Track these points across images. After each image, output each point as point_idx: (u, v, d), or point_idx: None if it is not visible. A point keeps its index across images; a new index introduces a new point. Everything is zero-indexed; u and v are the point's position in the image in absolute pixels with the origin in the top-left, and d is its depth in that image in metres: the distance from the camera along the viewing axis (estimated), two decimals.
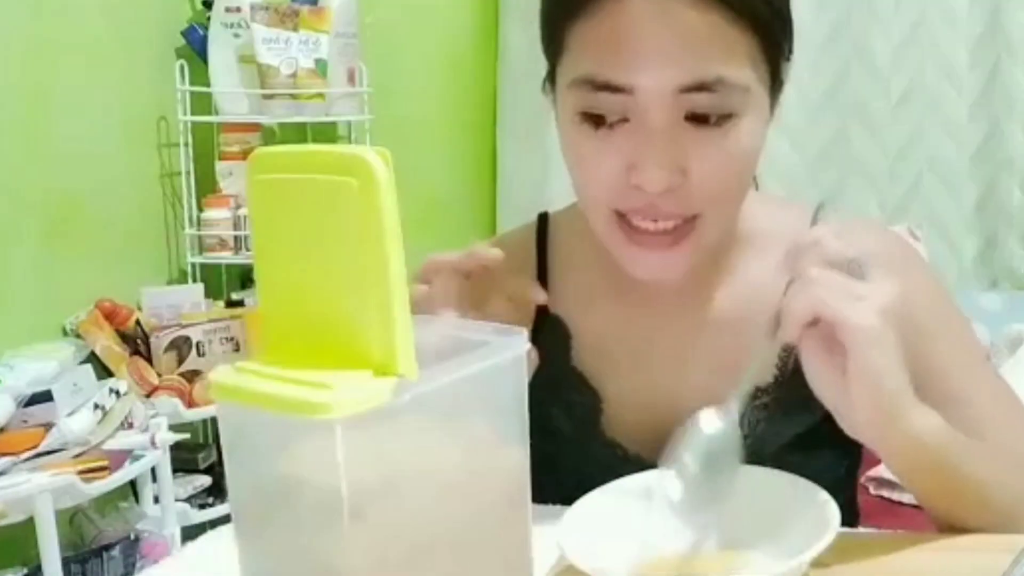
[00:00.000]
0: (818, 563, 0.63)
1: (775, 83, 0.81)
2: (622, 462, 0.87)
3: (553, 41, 0.81)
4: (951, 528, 0.76)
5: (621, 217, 0.79)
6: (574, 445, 0.88)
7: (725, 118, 0.76)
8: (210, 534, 0.87)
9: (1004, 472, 0.78)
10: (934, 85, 2.55)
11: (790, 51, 0.82)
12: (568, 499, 0.74)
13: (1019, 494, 0.77)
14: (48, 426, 1.69)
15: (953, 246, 2.58)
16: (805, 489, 0.71)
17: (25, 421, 1.69)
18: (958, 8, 2.52)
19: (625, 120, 0.76)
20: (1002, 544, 0.70)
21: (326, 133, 2.53)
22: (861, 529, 0.85)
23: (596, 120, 0.77)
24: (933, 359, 0.83)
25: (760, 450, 0.76)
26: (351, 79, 2.39)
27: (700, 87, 0.74)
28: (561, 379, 0.89)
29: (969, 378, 0.85)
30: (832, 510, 0.67)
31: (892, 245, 0.91)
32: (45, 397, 1.71)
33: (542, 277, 0.94)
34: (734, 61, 0.75)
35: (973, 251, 2.59)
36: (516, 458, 0.64)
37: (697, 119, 0.76)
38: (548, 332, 0.91)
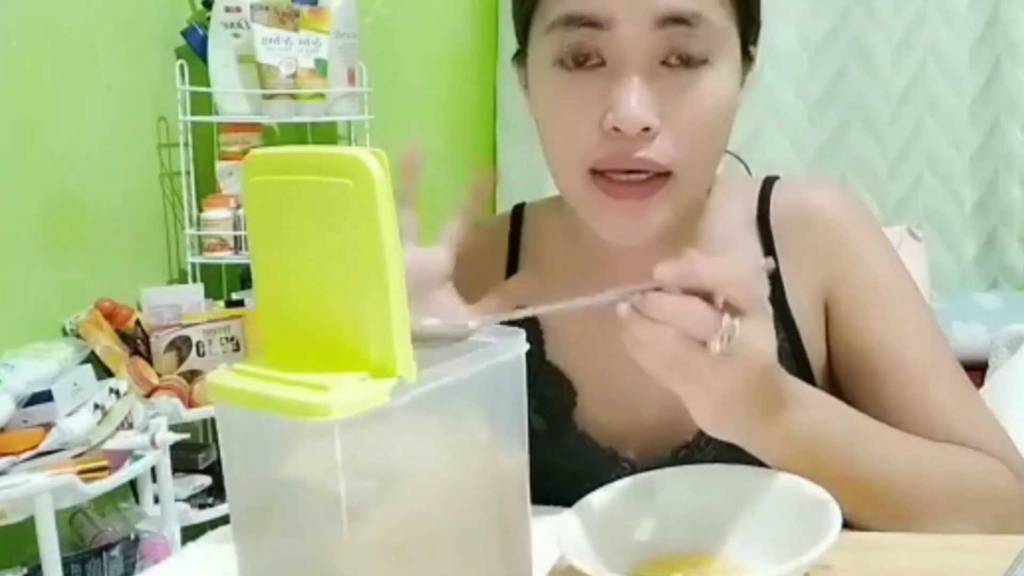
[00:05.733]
0: (819, 563, 0.63)
1: (746, 46, 0.82)
2: (594, 454, 0.88)
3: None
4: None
5: (596, 176, 0.79)
6: (547, 440, 0.88)
7: (700, 64, 0.77)
8: (210, 534, 0.87)
9: (907, 464, 0.78)
10: (934, 85, 2.55)
11: (757, 23, 0.84)
12: (540, 498, 0.74)
13: (916, 487, 0.77)
14: (48, 426, 1.69)
15: (953, 246, 2.58)
16: (807, 489, 0.70)
17: (25, 421, 1.69)
18: (958, 8, 2.52)
19: (602, 64, 0.77)
20: (1002, 545, 0.69)
21: (326, 133, 2.53)
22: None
23: (574, 68, 0.77)
24: (866, 337, 0.85)
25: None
26: (351, 79, 2.39)
27: (678, 19, 0.75)
28: (537, 374, 0.89)
29: (909, 353, 0.84)
30: (833, 511, 0.66)
31: (841, 206, 0.89)
32: (45, 397, 1.70)
33: (512, 266, 0.95)
34: (713, 2, 0.76)
35: (973, 251, 2.59)
36: (515, 459, 0.64)
37: (674, 65, 0.76)
38: (519, 323, 0.91)
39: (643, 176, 0.78)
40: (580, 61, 0.77)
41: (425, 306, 0.73)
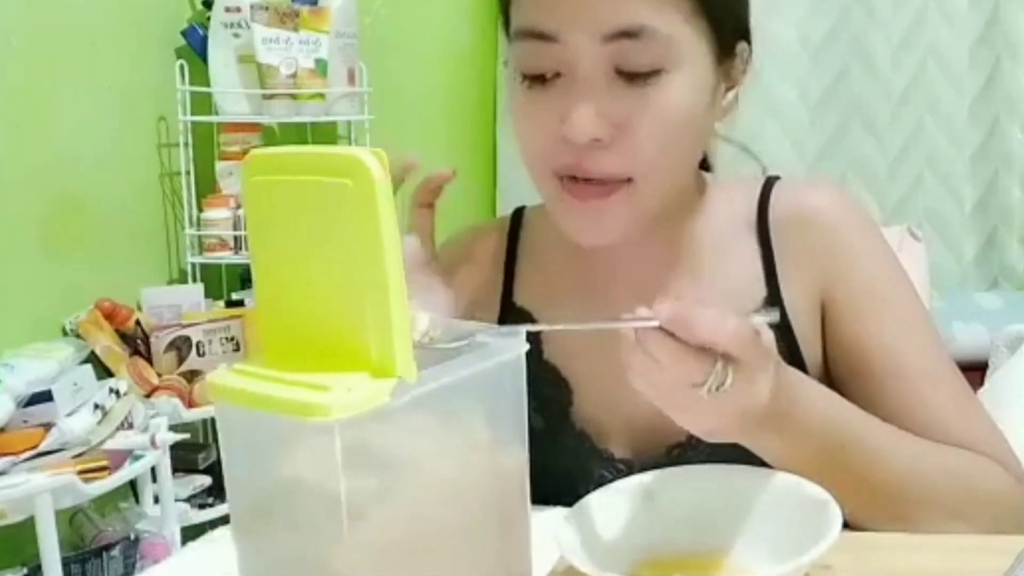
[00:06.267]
0: (819, 563, 0.63)
1: (724, 47, 0.81)
2: (589, 454, 0.89)
3: (504, 7, 0.84)
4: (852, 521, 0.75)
5: (562, 179, 0.81)
6: (544, 440, 0.88)
7: (655, 74, 0.77)
8: (210, 534, 0.87)
9: (907, 463, 0.78)
10: (934, 85, 2.55)
11: (739, 17, 0.83)
12: (539, 497, 0.74)
13: (915, 485, 0.77)
14: (48, 426, 1.69)
15: (953, 246, 2.58)
16: (807, 489, 0.70)
17: (25, 421, 1.69)
18: (958, 8, 2.52)
19: (560, 75, 0.78)
20: (1003, 546, 0.69)
21: (326, 133, 2.53)
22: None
23: (536, 79, 0.79)
24: (863, 339, 0.85)
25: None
26: (351, 79, 2.39)
27: (624, 34, 0.75)
28: (535, 374, 0.89)
29: (907, 356, 0.84)
30: (834, 511, 0.66)
31: (839, 207, 0.89)
32: (45, 397, 1.70)
33: (510, 267, 0.97)
34: (663, 11, 0.76)
35: (973, 251, 2.59)
36: (515, 458, 0.64)
37: (627, 76, 0.77)
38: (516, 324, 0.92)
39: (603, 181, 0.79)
40: (538, 77, 0.79)
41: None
